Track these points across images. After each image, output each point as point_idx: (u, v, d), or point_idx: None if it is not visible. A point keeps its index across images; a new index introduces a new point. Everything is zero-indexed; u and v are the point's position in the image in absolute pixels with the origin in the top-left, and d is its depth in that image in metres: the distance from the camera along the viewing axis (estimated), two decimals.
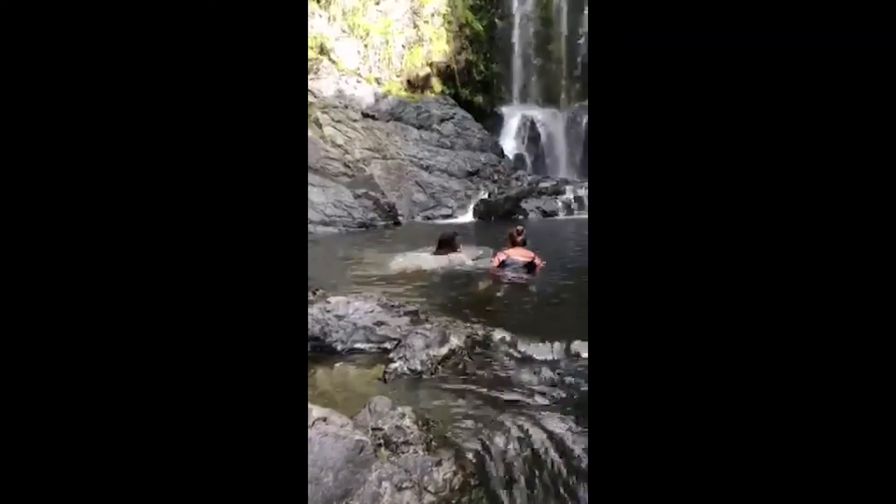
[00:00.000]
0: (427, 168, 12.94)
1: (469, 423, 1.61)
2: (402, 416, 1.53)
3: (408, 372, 2.04)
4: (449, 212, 11.81)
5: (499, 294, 3.74)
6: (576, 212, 11.21)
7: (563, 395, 1.84)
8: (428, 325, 2.40)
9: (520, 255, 4.03)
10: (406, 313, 2.64)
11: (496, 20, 16.60)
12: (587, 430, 1.58)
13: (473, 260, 4.55)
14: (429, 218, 11.50)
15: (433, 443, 1.44)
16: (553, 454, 1.49)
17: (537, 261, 4.05)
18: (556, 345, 2.28)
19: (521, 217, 10.83)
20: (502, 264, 3.99)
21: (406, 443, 1.41)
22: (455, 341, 2.33)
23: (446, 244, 4.59)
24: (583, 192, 11.60)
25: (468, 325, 2.63)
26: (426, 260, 4.52)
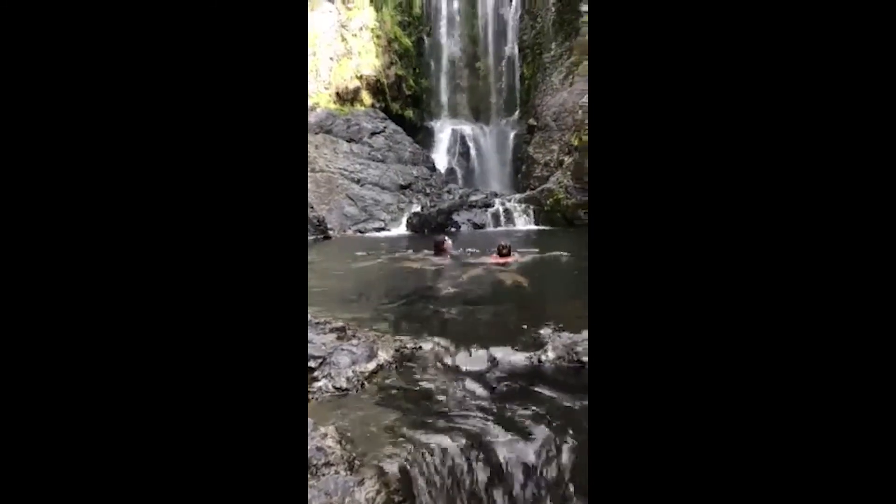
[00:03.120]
0: (358, 181, 12.78)
1: (395, 439, 1.59)
2: (325, 436, 1.48)
3: (333, 390, 1.98)
4: (382, 224, 11.71)
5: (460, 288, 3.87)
6: (504, 223, 11.56)
7: (490, 406, 1.87)
8: (355, 341, 2.35)
9: (508, 260, 5.72)
10: (332, 329, 2.57)
11: (424, 36, 16.89)
12: (519, 438, 1.62)
13: (461, 257, 6.17)
14: (361, 231, 11.33)
15: (356, 462, 1.40)
16: (478, 465, 1.50)
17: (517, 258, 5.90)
18: (483, 353, 2.31)
19: (453, 229, 10.97)
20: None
21: (327, 464, 1.36)
22: (383, 356, 2.30)
23: (440, 247, 6.06)
24: (510, 205, 12.00)
25: (397, 337, 2.61)
26: (430, 259, 6.13)
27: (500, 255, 5.69)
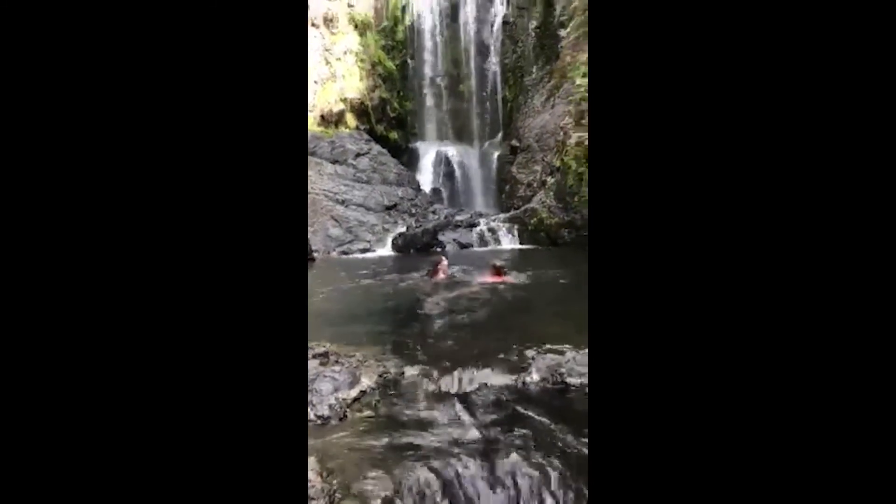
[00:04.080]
0: (343, 202, 12.76)
1: (377, 470, 1.56)
2: None
3: (314, 419, 1.94)
4: (367, 245, 11.66)
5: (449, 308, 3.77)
6: (489, 243, 11.62)
7: (475, 432, 1.85)
8: (337, 367, 2.32)
9: (501, 279, 5.87)
10: (315, 355, 2.53)
11: (408, 60, 17.17)
12: (497, 468, 1.60)
13: (456, 276, 6.32)
14: (346, 253, 11.26)
15: (337, 494, 1.37)
16: (460, 493, 1.48)
17: (508, 279, 6.04)
18: (467, 377, 2.30)
19: (438, 249, 10.98)
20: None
21: (308, 497, 1.32)
22: (366, 382, 2.27)
23: (435, 268, 6.22)
24: (495, 224, 12.09)
25: (381, 362, 2.58)
26: (423, 279, 6.29)
27: (498, 273, 5.87)
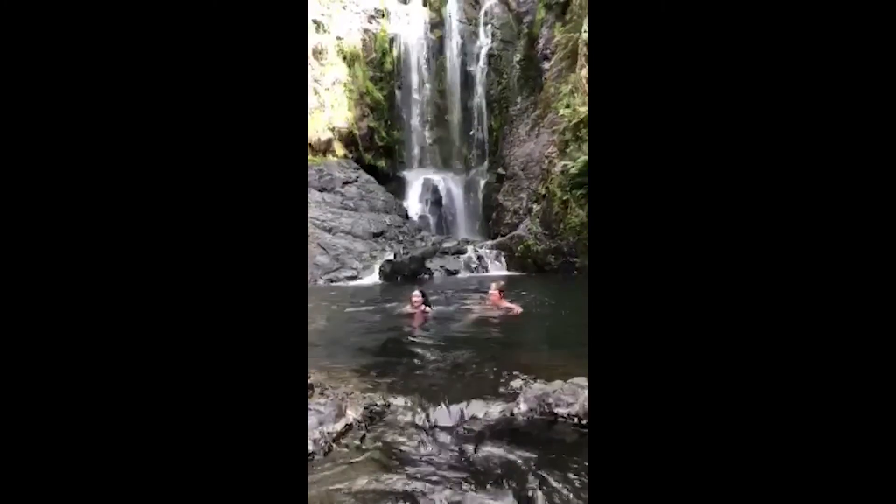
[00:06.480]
0: (330, 230, 12.75)
1: None
2: None
3: None
4: (354, 273, 11.59)
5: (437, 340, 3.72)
6: (476, 270, 11.65)
7: (462, 466, 1.82)
8: (322, 399, 2.28)
9: (504, 304, 5.45)
10: None
11: (396, 90, 17.52)
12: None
13: (430, 313, 5.63)
14: (332, 280, 11.17)
15: None
16: None
17: (516, 309, 5.42)
18: (455, 408, 2.27)
19: (426, 276, 10.97)
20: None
21: None
22: (352, 414, 2.23)
23: (412, 304, 5.58)
24: (482, 252, 12.15)
25: (367, 394, 2.54)
26: (408, 311, 5.65)
27: (501, 295, 5.41)
